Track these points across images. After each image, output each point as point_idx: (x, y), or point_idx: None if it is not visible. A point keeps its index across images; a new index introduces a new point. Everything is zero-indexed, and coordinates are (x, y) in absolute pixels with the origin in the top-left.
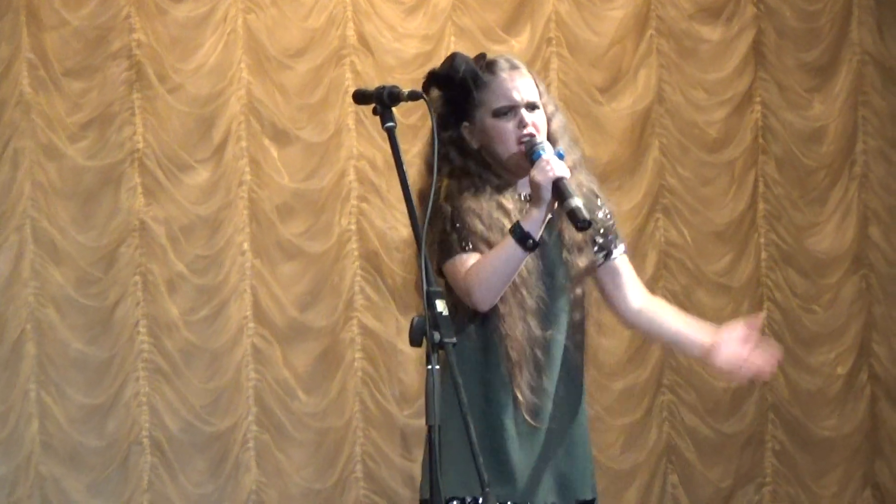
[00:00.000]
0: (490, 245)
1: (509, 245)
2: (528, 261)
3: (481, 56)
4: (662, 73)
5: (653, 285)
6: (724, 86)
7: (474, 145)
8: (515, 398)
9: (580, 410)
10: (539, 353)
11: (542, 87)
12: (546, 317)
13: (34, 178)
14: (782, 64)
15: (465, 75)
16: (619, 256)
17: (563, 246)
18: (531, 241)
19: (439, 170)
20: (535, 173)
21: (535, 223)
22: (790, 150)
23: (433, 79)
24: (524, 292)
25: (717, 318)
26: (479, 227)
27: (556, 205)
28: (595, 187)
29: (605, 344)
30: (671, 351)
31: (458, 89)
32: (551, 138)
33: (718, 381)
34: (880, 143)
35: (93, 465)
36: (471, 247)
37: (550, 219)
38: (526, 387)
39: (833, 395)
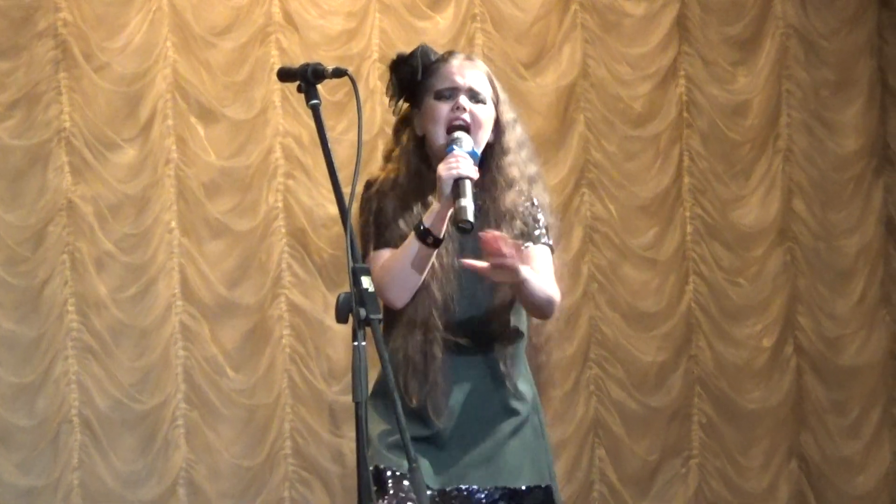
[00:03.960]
0: None
1: (413, 242)
2: (445, 258)
3: (446, 52)
4: (587, 47)
5: (579, 259)
6: (648, 60)
7: (419, 132)
8: (408, 398)
9: (509, 402)
10: (440, 352)
11: (502, 96)
12: (454, 316)
13: None
14: (706, 38)
15: (418, 59)
16: (537, 247)
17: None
18: (432, 238)
19: (390, 160)
20: (441, 167)
21: (435, 218)
22: (715, 123)
23: (393, 62)
24: (434, 288)
25: (644, 291)
26: (402, 227)
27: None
28: (539, 200)
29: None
30: (598, 326)
31: (409, 72)
32: (504, 147)
33: (645, 356)
34: (804, 115)
35: (22, 444)
36: (389, 244)
37: (477, 222)
38: (425, 388)
39: (759, 367)
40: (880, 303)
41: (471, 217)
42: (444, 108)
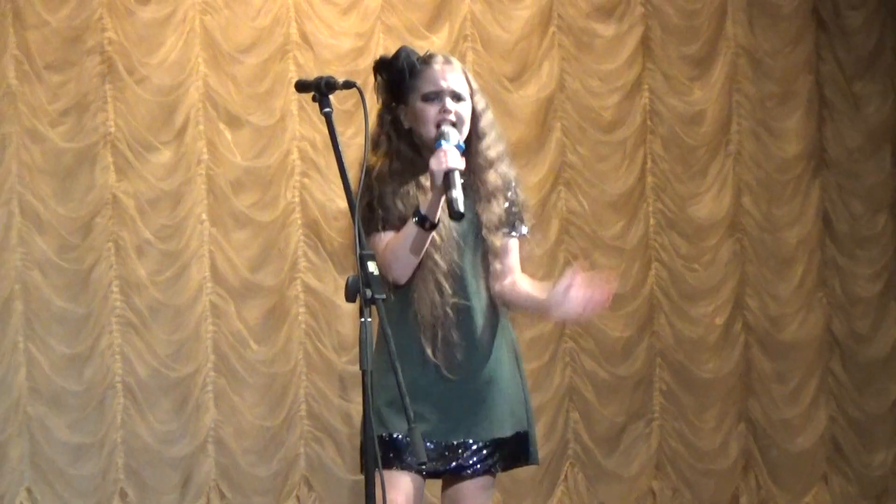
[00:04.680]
0: (406, 223)
1: (412, 227)
2: (444, 231)
3: (426, 53)
4: (563, 64)
5: (556, 248)
6: (616, 75)
7: (406, 126)
8: (426, 355)
9: (500, 360)
10: (451, 313)
11: (474, 86)
12: (460, 280)
13: (20, 158)
14: (667, 56)
15: (403, 63)
16: (512, 239)
17: (481, 224)
18: (428, 223)
19: (379, 146)
20: (432, 161)
21: (430, 206)
22: (674, 130)
23: (379, 63)
24: (437, 257)
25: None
26: (400, 207)
27: (444, 190)
28: (513, 177)
29: None
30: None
31: (397, 74)
32: (480, 132)
33: (613, 332)
34: (752, 123)
35: (73, 407)
36: (390, 225)
37: (470, 200)
38: (437, 344)
39: (712, 342)
40: (817, 286)
41: (461, 208)
42: (431, 110)
